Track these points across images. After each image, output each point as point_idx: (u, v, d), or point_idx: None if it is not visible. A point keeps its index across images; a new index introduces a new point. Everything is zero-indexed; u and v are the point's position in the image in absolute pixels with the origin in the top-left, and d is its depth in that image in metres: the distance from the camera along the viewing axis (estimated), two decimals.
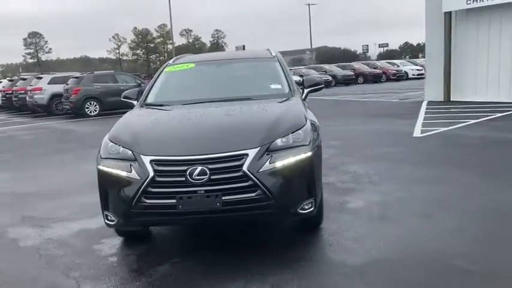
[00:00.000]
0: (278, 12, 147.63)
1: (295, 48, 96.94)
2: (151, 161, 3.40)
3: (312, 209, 3.64)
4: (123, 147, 3.59)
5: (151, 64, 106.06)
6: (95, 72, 19.05)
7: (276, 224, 4.26)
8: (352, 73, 33.22)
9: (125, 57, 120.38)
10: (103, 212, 3.68)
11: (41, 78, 20.12)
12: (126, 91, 5.03)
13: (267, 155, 3.44)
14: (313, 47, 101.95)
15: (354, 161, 6.80)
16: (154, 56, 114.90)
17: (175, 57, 5.58)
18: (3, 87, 24.17)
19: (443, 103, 13.73)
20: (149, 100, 4.69)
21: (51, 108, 18.87)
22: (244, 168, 3.33)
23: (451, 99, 14.03)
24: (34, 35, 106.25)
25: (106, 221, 3.67)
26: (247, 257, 3.67)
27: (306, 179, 3.61)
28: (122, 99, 4.96)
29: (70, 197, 5.76)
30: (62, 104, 18.06)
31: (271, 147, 3.49)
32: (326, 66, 35.64)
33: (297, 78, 29.78)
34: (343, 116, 12.67)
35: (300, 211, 3.59)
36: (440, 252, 3.50)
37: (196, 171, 3.31)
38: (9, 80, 25.12)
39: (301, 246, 3.81)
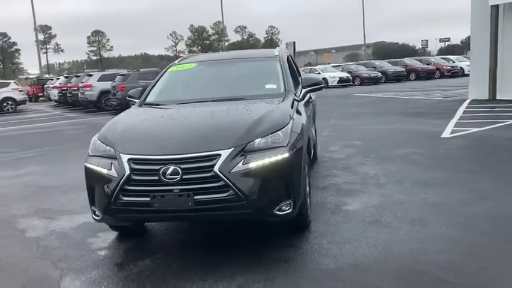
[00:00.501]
0: (334, 7, 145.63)
1: (351, 43, 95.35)
2: (128, 160, 3.53)
3: (290, 210, 3.63)
4: (107, 145, 3.75)
5: None
6: (140, 69, 19.69)
7: (262, 225, 4.26)
8: (404, 69, 32.21)
9: (181, 55, 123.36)
10: (90, 207, 3.86)
11: (91, 75, 21.09)
12: (131, 90, 5.21)
13: (242, 156, 3.47)
14: (370, 42, 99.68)
15: (369, 161, 6.66)
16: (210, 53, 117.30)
17: (181, 58, 5.71)
18: (60, 83, 25.56)
19: (487, 102, 13.06)
20: (148, 99, 4.85)
21: (100, 104, 19.74)
22: (216, 168, 3.39)
23: (497, 98, 13.32)
24: (97, 33, 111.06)
25: (93, 215, 3.85)
26: (225, 257, 3.72)
27: (283, 180, 3.60)
28: (127, 98, 5.15)
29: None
30: (110, 100, 18.84)
31: (247, 148, 3.52)
32: (376, 62, 34.82)
33: (341, 74, 29.48)
34: (377, 115, 12.36)
35: (277, 212, 3.60)
36: (418, 260, 3.40)
37: (169, 171, 3.40)
38: (65, 77, 26.50)
39: (281, 248, 3.80)
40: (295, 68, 5.69)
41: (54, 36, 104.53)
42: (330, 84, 29.01)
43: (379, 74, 30.41)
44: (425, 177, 5.60)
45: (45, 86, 30.94)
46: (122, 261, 3.79)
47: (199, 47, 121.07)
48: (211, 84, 5.00)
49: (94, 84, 19.80)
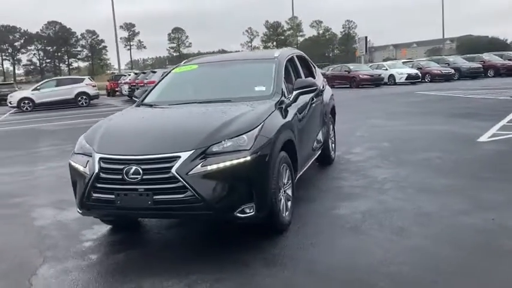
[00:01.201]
0: (414, 1, 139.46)
1: (434, 38, 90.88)
2: (99, 159, 3.76)
3: (253, 213, 3.67)
4: (88, 144, 4.01)
5: None
6: None
7: (239, 227, 4.29)
8: (480, 65, 30.19)
9: (256, 50, 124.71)
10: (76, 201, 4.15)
11: (155, 72, 22.08)
12: (137, 91, 5.47)
13: (202, 158, 3.56)
14: (454, 36, 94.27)
15: (385, 165, 6.44)
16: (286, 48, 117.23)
17: (188, 59, 5.88)
18: (130, 79, 27.03)
19: None
20: (146, 100, 5.06)
21: None
22: (173, 170, 3.51)
23: None
24: (177, 30, 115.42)
25: (77, 209, 4.13)
26: (192, 257, 3.80)
27: (244, 183, 3.65)
28: (133, 98, 5.41)
29: None
30: None
31: (209, 150, 3.61)
32: (450, 58, 32.97)
33: (409, 71, 28.23)
34: (423, 115, 11.82)
35: (239, 215, 3.66)
36: (373, 271, 3.30)
37: (131, 171, 3.58)
38: (135, 74, 27.97)
39: (245, 250, 3.82)
40: (300, 70, 5.62)
41: (138, 33, 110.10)
42: (397, 81, 28.00)
43: (452, 71, 28.77)
44: (434, 184, 5.33)
45: (119, 81, 32.84)
46: (100, 254, 4.03)
47: (275, 43, 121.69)
48: (204, 86, 5.12)
49: (157, 80, 20.64)
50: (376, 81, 27.42)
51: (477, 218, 4.18)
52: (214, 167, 3.54)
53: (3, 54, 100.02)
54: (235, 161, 3.57)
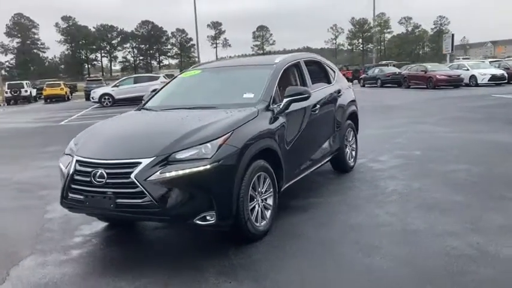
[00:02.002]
0: None
1: None
2: (76, 161, 4.00)
3: (213, 221, 3.71)
4: (74, 145, 4.28)
5: (369, 54, 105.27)
6: None
7: (212, 233, 4.33)
8: None
9: (341, 47, 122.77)
10: None
11: None
12: (145, 95, 5.68)
13: (162, 165, 3.65)
14: None
15: (403, 176, 6.10)
16: (371, 45, 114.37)
17: (196, 64, 6.00)
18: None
19: None
20: (147, 104, 5.25)
21: None
22: (132, 175, 3.63)
23: None
24: (261, 28, 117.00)
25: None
26: (151, 261, 3.91)
27: (203, 192, 3.69)
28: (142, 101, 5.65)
29: None
30: None
31: (171, 158, 3.69)
32: None
33: (494, 71, 26.11)
34: (478, 121, 10.99)
35: (198, 222, 3.71)
36: None
37: (97, 174, 3.77)
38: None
39: (214, 256, 3.87)
40: (306, 76, 5.48)
41: (224, 32, 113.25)
42: (479, 82, 26.07)
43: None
44: (441, 200, 4.97)
45: None
46: (80, 250, 4.25)
47: (360, 40, 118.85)
48: (198, 92, 5.21)
49: None
50: (454, 82, 25.72)
51: (461, 241, 3.85)
52: (173, 174, 3.61)
53: (102, 51, 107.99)
54: (194, 169, 3.62)
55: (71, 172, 3.96)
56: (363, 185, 5.79)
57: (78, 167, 3.95)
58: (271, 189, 4.35)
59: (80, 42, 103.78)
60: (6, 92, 35.74)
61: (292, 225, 4.49)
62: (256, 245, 4.06)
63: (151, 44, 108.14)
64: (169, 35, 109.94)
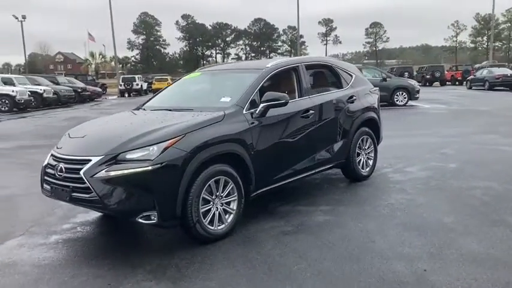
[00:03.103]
0: None
1: None
2: (51, 154, 4.40)
3: (156, 221, 3.85)
4: (60, 140, 4.71)
5: (498, 51, 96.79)
6: None
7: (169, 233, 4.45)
8: None
9: (463, 45, 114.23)
10: None
11: None
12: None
13: (109, 164, 3.87)
14: None
15: (413, 190, 5.67)
16: (499, 43, 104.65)
17: (202, 66, 6.14)
18: None
19: None
20: (146, 104, 5.53)
21: None
22: (81, 172, 3.91)
23: None
24: (375, 25, 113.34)
25: None
26: (119, 259, 4.15)
27: (144, 192, 3.84)
28: None
29: None
30: None
31: (120, 157, 3.91)
32: None
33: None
34: None
35: (141, 220, 3.89)
36: None
37: (59, 168, 4.12)
38: None
39: (159, 254, 4.01)
40: (303, 81, 5.31)
41: (335, 28, 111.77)
42: None
43: None
44: (432, 220, 4.57)
45: None
46: (62, 236, 4.66)
47: (485, 37, 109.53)
48: (186, 94, 5.36)
49: None
50: None
51: (407, 267, 3.54)
52: (118, 173, 3.82)
53: (216, 48, 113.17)
54: (135, 170, 3.79)
55: (43, 164, 4.37)
56: (364, 198, 5.48)
57: (50, 160, 4.34)
58: (235, 194, 4.36)
59: (197, 39, 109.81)
60: (121, 85, 39.27)
61: (248, 230, 4.45)
62: (208, 248, 4.11)
63: (262, 41, 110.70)
64: (281, 32, 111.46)
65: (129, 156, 3.89)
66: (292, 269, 3.63)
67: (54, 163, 4.21)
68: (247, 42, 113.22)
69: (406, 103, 17.92)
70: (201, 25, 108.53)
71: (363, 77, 6.74)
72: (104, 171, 3.85)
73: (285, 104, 4.66)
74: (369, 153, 6.27)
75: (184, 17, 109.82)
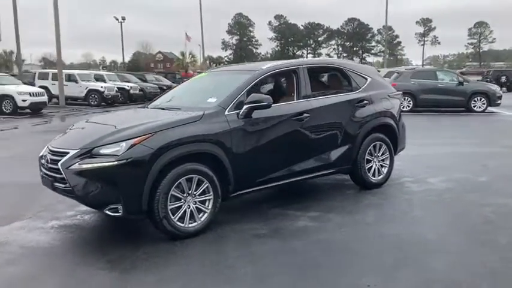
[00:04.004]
0: None
1: None
2: (47, 146, 4.78)
3: (121, 213, 4.06)
4: None
5: None
6: (417, 68, 18.84)
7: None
8: None
9: None
10: None
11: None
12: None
13: (84, 157, 4.14)
14: None
15: (421, 202, 5.33)
16: None
17: (215, 66, 6.23)
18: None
19: None
20: (153, 102, 5.74)
21: None
22: (59, 163, 4.22)
23: None
24: (480, 24, 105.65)
25: None
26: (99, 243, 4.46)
27: (109, 185, 4.05)
28: None
29: None
30: None
31: (94, 151, 4.15)
32: None
33: None
34: None
35: (108, 212, 4.12)
36: None
37: (46, 158, 4.48)
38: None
39: (129, 246, 4.21)
40: (302, 84, 5.17)
41: (434, 28, 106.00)
42: None
43: None
44: (419, 235, 4.28)
45: None
46: (61, 222, 5.03)
47: None
48: (184, 94, 5.50)
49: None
50: None
51: (352, 281, 3.35)
52: (88, 166, 4.07)
53: (308, 48, 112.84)
54: (103, 164, 4.01)
55: (39, 155, 4.77)
56: (360, 206, 5.23)
57: (44, 151, 4.72)
58: (211, 193, 4.41)
59: (289, 40, 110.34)
60: None
61: (223, 230, 4.46)
62: (176, 244, 4.21)
63: (355, 41, 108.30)
64: (375, 32, 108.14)
65: (102, 151, 4.12)
66: (237, 272, 3.61)
67: (45, 154, 4.58)
68: (339, 42, 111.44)
69: (485, 109, 16.58)
70: (293, 25, 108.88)
71: (383, 80, 6.41)
72: (77, 163, 4.11)
73: (268, 106, 4.60)
74: (383, 160, 5.96)
75: (277, 17, 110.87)
